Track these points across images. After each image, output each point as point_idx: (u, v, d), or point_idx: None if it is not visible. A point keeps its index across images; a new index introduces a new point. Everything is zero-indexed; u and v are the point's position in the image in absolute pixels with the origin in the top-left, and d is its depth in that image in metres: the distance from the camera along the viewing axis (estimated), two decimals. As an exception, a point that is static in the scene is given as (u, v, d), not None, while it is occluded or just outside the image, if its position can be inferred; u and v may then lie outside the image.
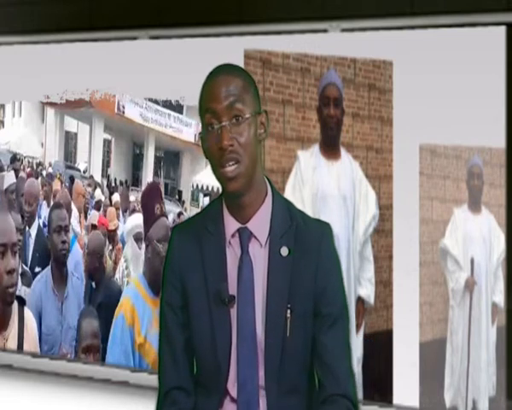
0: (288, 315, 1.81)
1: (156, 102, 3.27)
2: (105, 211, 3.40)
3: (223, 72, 1.83)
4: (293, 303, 1.82)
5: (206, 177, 3.17)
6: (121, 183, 3.40)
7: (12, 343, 3.44)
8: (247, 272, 1.83)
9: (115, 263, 3.32)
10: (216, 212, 1.88)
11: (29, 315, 3.43)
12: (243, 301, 1.83)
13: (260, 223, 1.85)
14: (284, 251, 1.84)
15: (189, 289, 1.87)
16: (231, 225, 1.85)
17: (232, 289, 1.83)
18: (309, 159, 2.96)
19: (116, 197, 3.39)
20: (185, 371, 1.89)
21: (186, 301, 1.87)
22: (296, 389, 1.85)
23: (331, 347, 1.83)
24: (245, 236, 1.84)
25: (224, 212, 1.87)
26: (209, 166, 1.82)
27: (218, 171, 1.78)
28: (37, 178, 3.52)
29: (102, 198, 3.41)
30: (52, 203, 3.46)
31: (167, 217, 3.22)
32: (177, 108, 3.23)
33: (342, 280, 1.90)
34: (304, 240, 1.85)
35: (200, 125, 1.83)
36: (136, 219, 3.30)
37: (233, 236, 1.85)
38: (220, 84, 1.78)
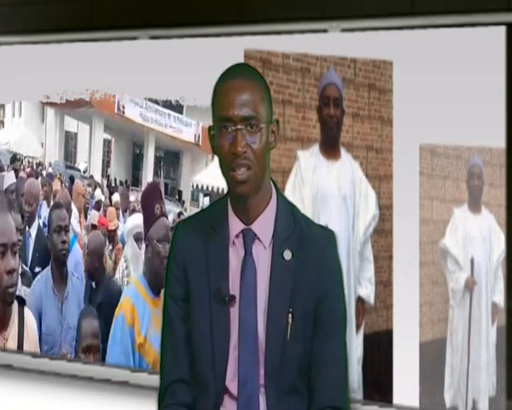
0: (290, 320, 1.82)
1: (156, 102, 3.27)
2: (105, 211, 3.40)
3: (240, 75, 1.81)
4: (294, 308, 1.83)
5: (206, 177, 3.17)
6: (121, 183, 3.40)
7: (12, 343, 3.44)
8: (249, 274, 1.84)
9: (115, 263, 3.32)
10: (221, 210, 1.89)
11: (29, 315, 3.43)
12: (245, 301, 1.83)
13: (264, 225, 1.85)
14: (287, 255, 1.85)
15: (192, 283, 1.87)
16: (236, 225, 1.86)
17: (235, 289, 1.84)
18: (309, 159, 2.96)
19: (116, 197, 3.39)
20: (186, 363, 1.88)
21: (188, 294, 1.87)
22: (296, 391, 1.85)
23: (327, 356, 1.84)
24: (249, 237, 1.85)
25: (228, 211, 1.87)
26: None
27: (227, 172, 1.79)
28: (37, 178, 3.51)
29: (102, 198, 3.41)
30: (52, 203, 3.46)
31: (167, 217, 3.22)
32: (177, 108, 3.23)
33: (343, 289, 1.90)
34: (307, 245, 1.86)
35: (212, 120, 1.82)
36: (136, 219, 3.30)
37: (237, 236, 1.86)
38: (238, 90, 1.77)
